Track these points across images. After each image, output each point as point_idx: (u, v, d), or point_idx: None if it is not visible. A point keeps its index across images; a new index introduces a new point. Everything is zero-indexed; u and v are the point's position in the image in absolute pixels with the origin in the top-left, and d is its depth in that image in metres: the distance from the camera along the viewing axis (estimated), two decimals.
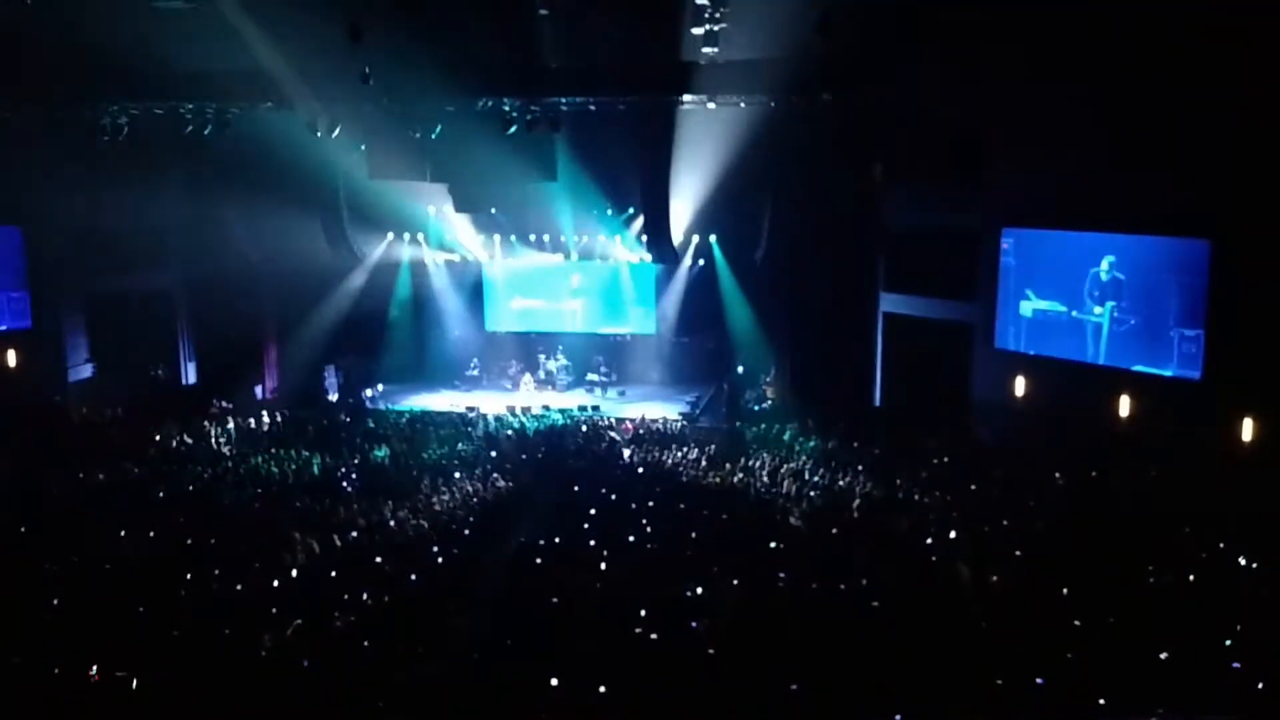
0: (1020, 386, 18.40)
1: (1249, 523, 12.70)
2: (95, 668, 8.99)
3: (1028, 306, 18.44)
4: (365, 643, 9.63)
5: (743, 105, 17.86)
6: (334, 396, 23.25)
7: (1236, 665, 8.94)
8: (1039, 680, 8.64)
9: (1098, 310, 17.33)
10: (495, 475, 16.05)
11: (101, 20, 15.69)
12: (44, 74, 17.70)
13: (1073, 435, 16.85)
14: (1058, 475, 15.49)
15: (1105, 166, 16.15)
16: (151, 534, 13.16)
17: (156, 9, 14.63)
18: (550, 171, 19.87)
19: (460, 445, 18.32)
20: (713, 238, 23.31)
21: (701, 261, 23.83)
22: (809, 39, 14.58)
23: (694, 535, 12.80)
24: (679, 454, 17.45)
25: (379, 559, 12.04)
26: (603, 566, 11.67)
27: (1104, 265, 17.21)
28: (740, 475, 15.93)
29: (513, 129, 18.19)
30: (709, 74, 17.15)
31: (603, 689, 8.58)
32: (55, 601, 10.78)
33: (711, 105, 17.86)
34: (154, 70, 17.50)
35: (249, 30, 15.96)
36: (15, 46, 16.64)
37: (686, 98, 17.82)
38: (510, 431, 19.48)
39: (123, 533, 13.12)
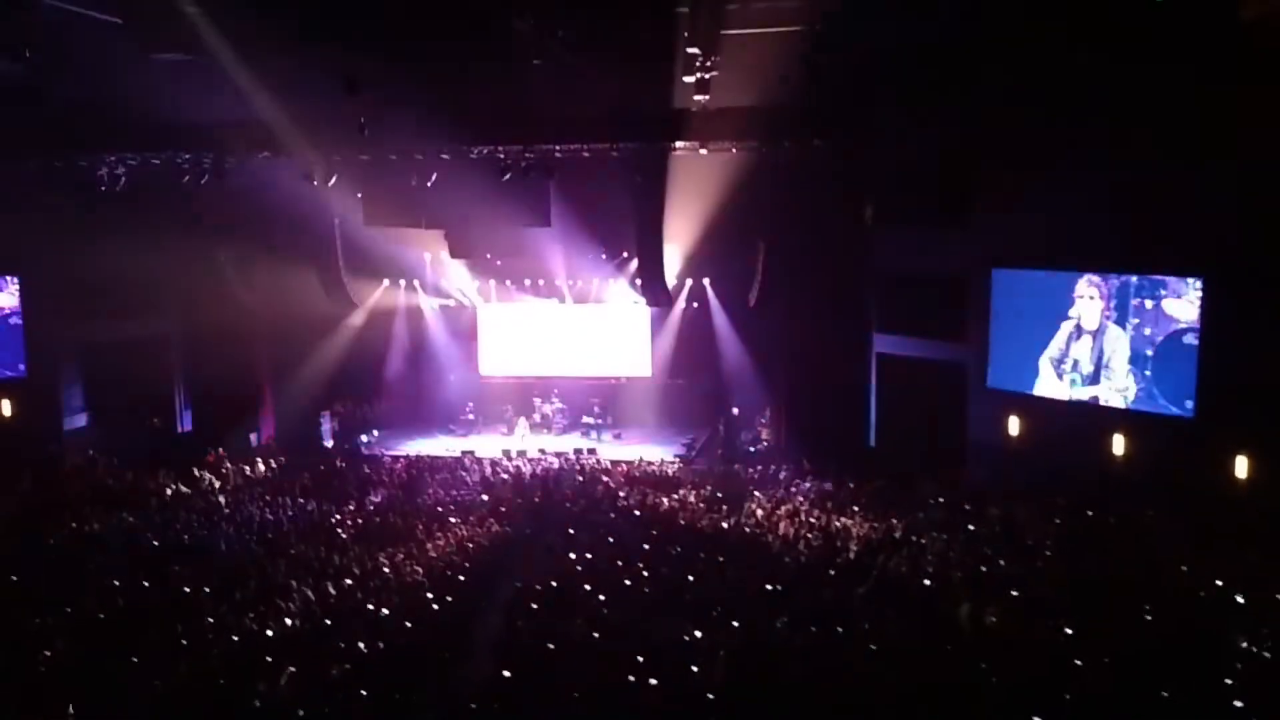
0: (1014, 426, 18.44)
1: (1245, 560, 12.71)
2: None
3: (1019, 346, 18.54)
4: (362, 692, 9.57)
5: (734, 150, 18.05)
6: (329, 443, 23.21)
7: (1238, 704, 8.91)
8: None
9: (1089, 350, 17.44)
10: (491, 520, 16.04)
11: (99, 71, 15.86)
12: (42, 124, 17.86)
13: (1068, 474, 16.86)
14: (1053, 515, 15.48)
15: (1096, 205, 16.30)
16: (146, 584, 13.08)
17: (155, 60, 14.77)
18: (544, 217, 20.02)
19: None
20: (706, 281, 23.46)
21: (695, 304, 23.97)
22: (799, 85, 14.78)
23: (691, 579, 12.77)
24: (675, 496, 17.44)
25: (375, 606, 11.98)
26: (600, 612, 11.64)
27: (1089, 302, 17.39)
28: (737, 517, 15.92)
29: (507, 175, 18.33)
30: (701, 120, 17.34)
31: None
32: (48, 652, 10.71)
33: (703, 151, 18.04)
34: (151, 121, 17.65)
35: (245, 80, 16.13)
36: (14, 98, 16.79)
37: (679, 144, 18.01)
38: (506, 476, 19.47)
39: (117, 582, 13.05)
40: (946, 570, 12.91)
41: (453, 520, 16.06)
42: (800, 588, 12.31)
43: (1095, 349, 17.38)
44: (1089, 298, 17.45)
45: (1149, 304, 16.50)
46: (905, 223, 19.49)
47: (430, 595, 12.28)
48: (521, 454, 21.55)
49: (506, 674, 9.89)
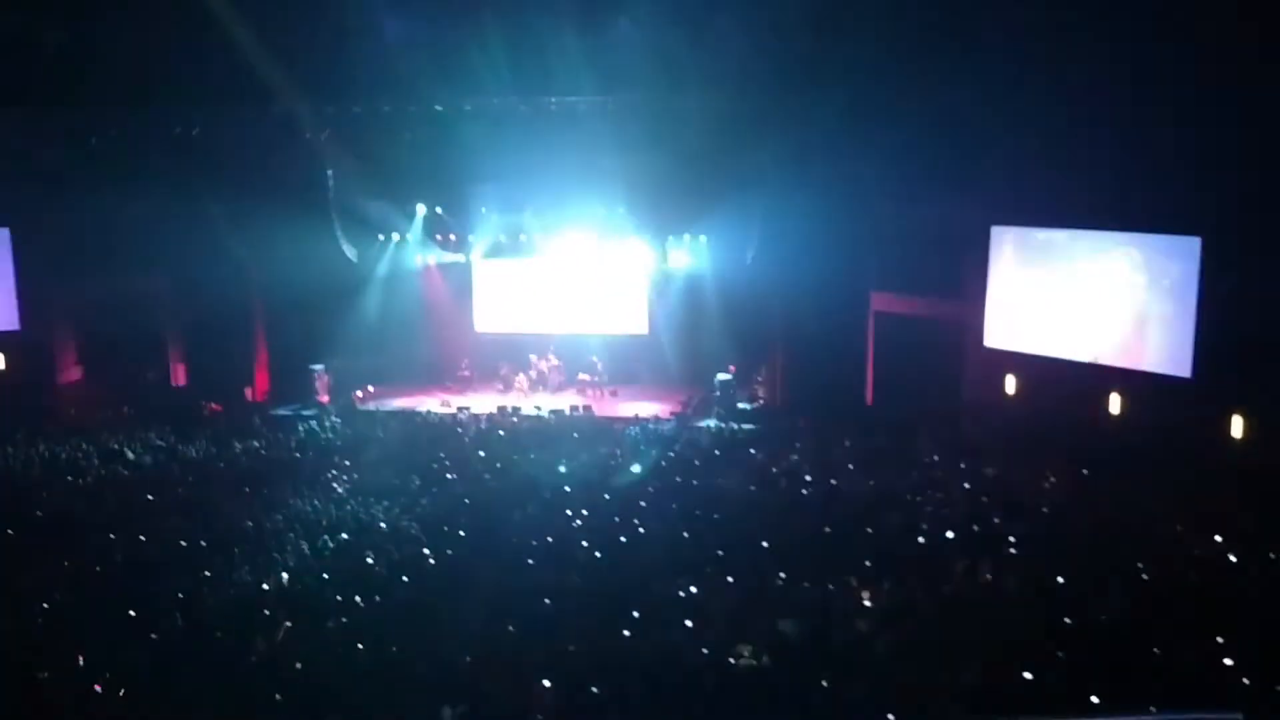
0: (1011, 384, 18.44)
1: (1240, 519, 12.75)
2: (85, 671, 8.95)
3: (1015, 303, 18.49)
4: (358, 645, 9.59)
5: (733, 103, 17.83)
6: (324, 398, 23.17)
7: (1229, 662, 8.95)
8: (1028, 676, 8.65)
9: (1086, 305, 17.39)
10: (487, 475, 16.04)
11: (92, 24, 15.61)
12: (34, 77, 17.59)
13: (1063, 433, 16.89)
14: (1049, 473, 15.52)
15: (1095, 164, 16.18)
16: (142, 537, 13.09)
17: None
18: (537, 170, 19.88)
19: None
20: (703, 238, 23.30)
21: (693, 261, 23.82)
22: (800, 37, 14.59)
23: (686, 535, 12.79)
24: (671, 454, 17.43)
25: (370, 561, 11.99)
26: (596, 567, 11.66)
27: (1088, 258, 17.29)
28: (733, 475, 15.92)
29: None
30: (699, 72, 17.11)
31: (595, 690, 8.56)
32: (45, 605, 10.73)
33: (701, 104, 17.83)
34: (143, 72, 17.38)
35: (239, 31, 15.89)
36: (4, 52, 16.54)
37: (676, 96, 17.78)
38: (501, 432, 19.45)
39: (112, 536, 13.05)
40: (942, 528, 12.94)
41: (449, 476, 16.06)
42: (796, 544, 12.34)
43: (1093, 304, 17.32)
44: (1088, 255, 17.35)
45: (1148, 258, 16.43)
46: (905, 180, 19.34)
47: (426, 550, 12.29)
48: (517, 410, 21.52)
49: (503, 628, 9.92)
